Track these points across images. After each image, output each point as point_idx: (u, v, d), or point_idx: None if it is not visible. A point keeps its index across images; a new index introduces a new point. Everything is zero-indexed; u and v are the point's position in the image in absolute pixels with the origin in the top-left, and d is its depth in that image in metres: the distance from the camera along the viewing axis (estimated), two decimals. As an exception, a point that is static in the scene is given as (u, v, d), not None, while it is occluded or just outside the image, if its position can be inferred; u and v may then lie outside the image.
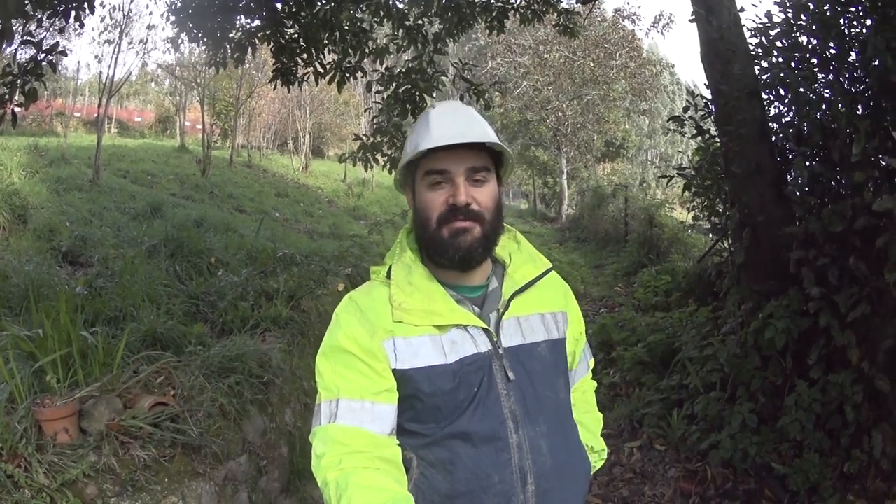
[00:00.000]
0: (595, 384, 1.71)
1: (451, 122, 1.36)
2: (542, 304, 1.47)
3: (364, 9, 6.55)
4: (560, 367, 1.47)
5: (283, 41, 6.42)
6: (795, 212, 4.10)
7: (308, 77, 6.63)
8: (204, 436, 2.97)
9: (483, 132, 1.36)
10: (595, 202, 18.62)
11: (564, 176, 26.05)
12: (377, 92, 6.74)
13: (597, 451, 1.61)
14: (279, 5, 6.33)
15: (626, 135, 29.30)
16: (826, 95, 3.97)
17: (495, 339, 1.37)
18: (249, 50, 6.38)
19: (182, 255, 6.24)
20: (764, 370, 4.04)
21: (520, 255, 1.50)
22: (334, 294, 5.74)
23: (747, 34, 4.46)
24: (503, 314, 1.40)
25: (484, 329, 1.36)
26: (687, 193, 5.46)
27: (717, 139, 4.81)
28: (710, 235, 6.75)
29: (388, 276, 1.39)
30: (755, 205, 4.28)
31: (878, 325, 3.38)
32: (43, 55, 4.10)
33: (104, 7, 14.72)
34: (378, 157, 6.33)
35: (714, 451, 3.91)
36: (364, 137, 6.39)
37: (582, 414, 1.59)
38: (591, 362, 1.68)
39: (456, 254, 1.34)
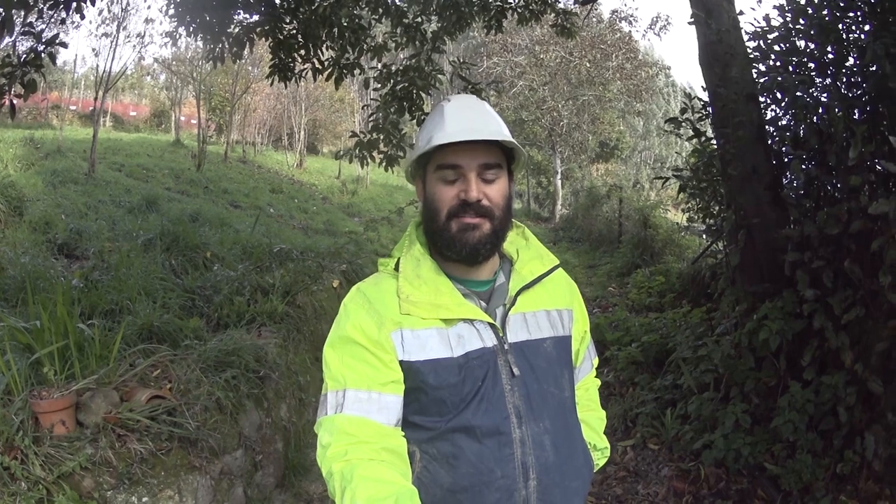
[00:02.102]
0: (598, 382, 1.72)
1: (465, 116, 1.36)
2: (549, 300, 1.48)
3: (363, 6, 6.55)
4: (565, 364, 1.47)
5: (281, 37, 6.41)
6: (791, 214, 4.13)
7: (306, 73, 6.63)
8: (200, 429, 2.98)
9: (497, 129, 1.37)
10: (589, 203, 18.59)
11: (559, 176, 26.10)
12: (375, 89, 6.74)
13: (599, 449, 1.62)
14: (278, 1, 6.32)
15: (621, 136, 29.41)
16: (823, 100, 4.00)
17: (501, 335, 1.37)
18: (247, 45, 6.36)
19: (177, 250, 6.24)
20: (758, 371, 4.06)
21: (528, 251, 1.51)
22: (329, 290, 5.75)
23: (745, 37, 4.47)
24: (509, 309, 1.40)
25: (490, 324, 1.36)
26: (681, 195, 5.48)
27: (714, 141, 4.83)
28: (705, 237, 6.79)
29: (396, 268, 1.40)
30: (751, 207, 4.31)
31: (871, 328, 3.40)
32: (42, 47, 4.08)
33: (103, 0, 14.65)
34: (374, 154, 6.34)
35: (707, 451, 3.93)
36: (360, 134, 6.39)
37: (585, 412, 1.60)
38: (595, 361, 1.69)
39: (463, 248, 1.34)
